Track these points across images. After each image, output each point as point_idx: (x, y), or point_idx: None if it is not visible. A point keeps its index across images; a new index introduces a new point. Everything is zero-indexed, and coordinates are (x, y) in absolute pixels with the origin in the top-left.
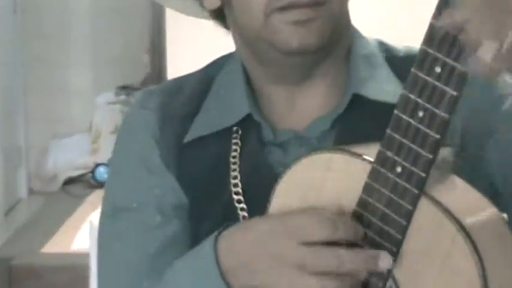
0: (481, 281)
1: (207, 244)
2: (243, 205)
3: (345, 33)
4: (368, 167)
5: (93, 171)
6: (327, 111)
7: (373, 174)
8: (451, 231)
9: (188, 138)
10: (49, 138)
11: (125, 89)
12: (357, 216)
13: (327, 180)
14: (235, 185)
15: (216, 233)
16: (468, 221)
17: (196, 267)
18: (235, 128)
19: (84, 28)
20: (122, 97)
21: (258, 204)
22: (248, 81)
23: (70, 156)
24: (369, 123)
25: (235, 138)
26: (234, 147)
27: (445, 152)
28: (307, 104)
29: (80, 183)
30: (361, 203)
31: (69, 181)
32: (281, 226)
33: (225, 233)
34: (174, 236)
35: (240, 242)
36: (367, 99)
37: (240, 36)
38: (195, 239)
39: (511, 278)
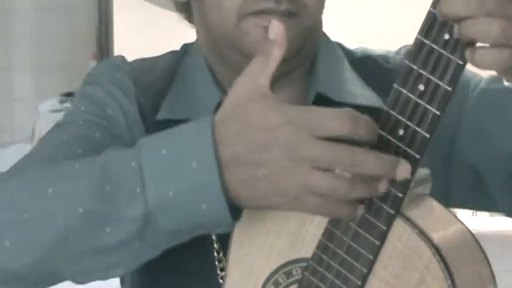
0: None
1: (199, 125)
2: None
3: (315, 43)
4: None
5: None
6: None
7: None
8: (427, 255)
9: (161, 116)
10: None
11: (70, 96)
12: (328, 234)
13: None
14: None
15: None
16: (444, 244)
17: (179, 152)
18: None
19: (27, 31)
20: (67, 104)
21: None
22: (213, 74)
23: (11, 165)
24: None
25: None
26: None
27: (423, 173)
28: None
29: None
30: (333, 221)
31: None
32: (298, 117)
33: (223, 117)
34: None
35: (244, 127)
36: (332, 101)
37: (206, 35)
38: None
39: None
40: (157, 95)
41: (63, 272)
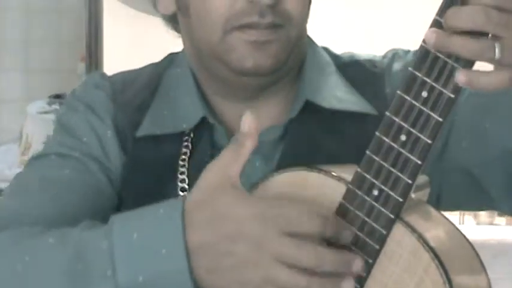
0: None
1: (170, 211)
2: None
3: (301, 51)
4: (343, 188)
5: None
6: (280, 121)
7: (349, 196)
8: (425, 259)
9: (141, 132)
10: None
11: (59, 98)
12: None
13: (300, 197)
14: (182, 181)
15: (181, 199)
16: (443, 249)
17: (149, 237)
18: (187, 131)
19: (15, 32)
20: (55, 106)
21: None
22: (198, 85)
23: None
24: (320, 130)
25: (187, 141)
26: (184, 150)
27: (422, 179)
28: (260, 116)
29: None
30: None
31: None
32: (267, 210)
33: (193, 203)
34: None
35: (213, 217)
36: (320, 107)
37: (192, 48)
38: None
39: None
40: (139, 110)
41: None
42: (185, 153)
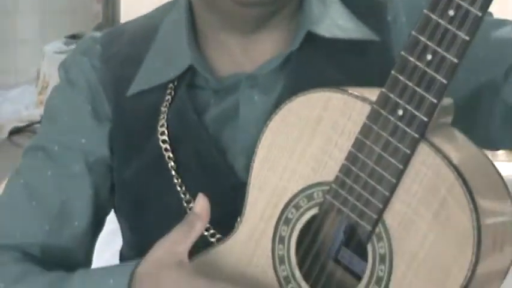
0: (474, 232)
1: (118, 282)
2: (169, 153)
3: None
4: (367, 109)
5: (40, 122)
6: (280, 54)
7: (373, 116)
8: (449, 179)
9: (131, 91)
10: None
11: (75, 38)
12: (352, 157)
13: (323, 119)
14: (162, 133)
15: (133, 266)
16: (466, 169)
17: None
18: (172, 80)
19: None
20: (71, 46)
21: (184, 152)
22: (193, 28)
23: (16, 108)
24: (323, 60)
25: (170, 88)
26: (167, 97)
27: (447, 101)
28: (260, 49)
29: (27, 134)
30: (357, 144)
31: (16, 131)
32: None
33: (140, 276)
34: (86, 191)
35: None
36: (321, 37)
37: None
38: (118, 186)
39: (504, 229)
40: (132, 66)
41: None
42: (167, 100)
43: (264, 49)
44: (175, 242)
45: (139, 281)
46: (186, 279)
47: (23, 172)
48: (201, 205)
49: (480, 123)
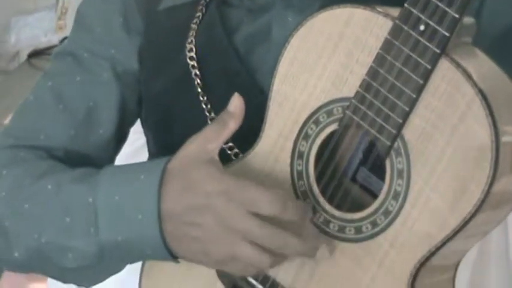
0: (493, 147)
1: (149, 178)
2: (196, 71)
3: None
4: (389, 24)
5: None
6: None
7: (394, 31)
8: (469, 94)
9: (162, 6)
10: (11, 14)
11: None
12: (372, 72)
13: (344, 35)
14: (190, 50)
15: (164, 163)
16: (486, 85)
17: (128, 202)
18: None
19: None
20: None
21: (212, 69)
22: None
23: (34, 33)
24: None
25: (202, 4)
26: (197, 13)
27: (469, 21)
28: None
29: (46, 57)
30: (378, 59)
31: (35, 54)
32: (233, 188)
33: (171, 172)
34: (113, 100)
35: (185, 188)
36: None
37: None
38: (145, 99)
39: None
40: None
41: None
42: (198, 17)
43: None
44: (207, 139)
45: (170, 177)
46: (216, 177)
47: (52, 75)
48: (235, 104)
49: None
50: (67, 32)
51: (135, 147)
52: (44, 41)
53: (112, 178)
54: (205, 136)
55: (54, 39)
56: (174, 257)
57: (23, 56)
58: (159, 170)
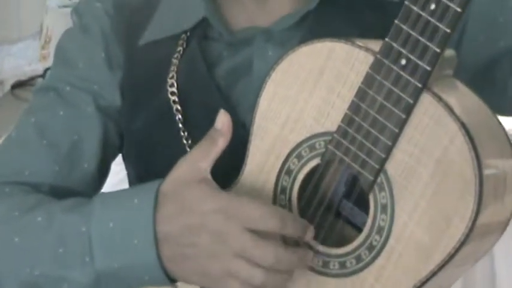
0: (476, 181)
1: (143, 202)
2: (177, 106)
3: None
4: (370, 59)
5: (43, 76)
6: (296, 12)
7: (376, 65)
8: (451, 128)
9: (143, 41)
10: None
11: None
12: (354, 107)
13: (325, 69)
14: (171, 85)
15: (156, 186)
16: (468, 119)
17: (124, 227)
18: (186, 31)
19: None
20: (75, 0)
21: (193, 104)
22: None
23: (18, 63)
24: (340, 19)
25: (183, 39)
26: (178, 48)
27: (450, 53)
28: (277, 4)
29: (30, 88)
30: (360, 94)
31: (18, 85)
32: (229, 206)
33: (164, 195)
34: (96, 133)
35: (180, 209)
36: None
37: None
38: (127, 134)
39: (505, 180)
40: (146, 15)
41: None
42: (179, 51)
43: (280, 4)
44: (197, 159)
45: (164, 199)
46: (211, 195)
47: (34, 111)
48: (222, 121)
49: (497, 89)
50: (51, 60)
51: (119, 178)
52: (28, 70)
53: (104, 205)
54: (196, 156)
55: (38, 68)
56: (171, 280)
57: (7, 86)
58: (152, 193)
